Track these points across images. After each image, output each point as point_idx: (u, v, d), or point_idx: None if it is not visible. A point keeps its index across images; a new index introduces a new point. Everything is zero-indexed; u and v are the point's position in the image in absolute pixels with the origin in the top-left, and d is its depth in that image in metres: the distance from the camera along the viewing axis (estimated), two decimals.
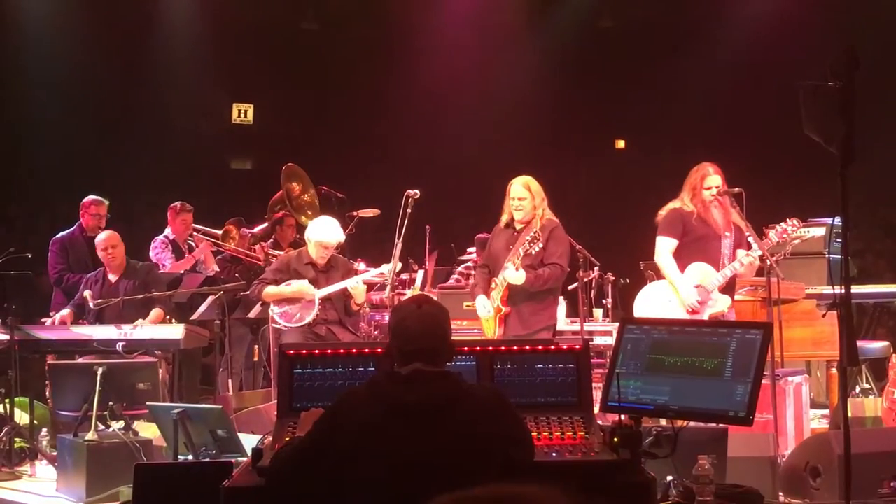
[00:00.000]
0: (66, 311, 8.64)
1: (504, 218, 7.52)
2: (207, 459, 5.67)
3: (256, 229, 10.46)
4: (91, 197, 9.58)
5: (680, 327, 4.46)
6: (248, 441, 6.02)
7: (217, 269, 10.00)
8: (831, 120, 4.58)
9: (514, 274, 7.14)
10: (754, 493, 4.68)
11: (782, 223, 7.14)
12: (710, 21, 14.23)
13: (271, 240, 10.31)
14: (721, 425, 5.12)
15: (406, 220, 7.93)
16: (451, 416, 3.32)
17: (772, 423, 6.45)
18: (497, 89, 15.03)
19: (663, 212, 7.35)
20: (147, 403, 6.61)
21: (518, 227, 7.41)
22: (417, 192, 8.01)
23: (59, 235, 9.53)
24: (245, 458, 5.48)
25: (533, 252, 7.13)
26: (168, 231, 10.05)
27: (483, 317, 7.44)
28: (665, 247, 7.25)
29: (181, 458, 5.77)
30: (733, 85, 14.23)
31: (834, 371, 8.16)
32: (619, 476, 3.73)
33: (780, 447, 6.43)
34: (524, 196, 7.35)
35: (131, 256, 9.22)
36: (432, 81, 14.57)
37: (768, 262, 7.02)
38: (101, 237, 8.75)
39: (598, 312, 8.98)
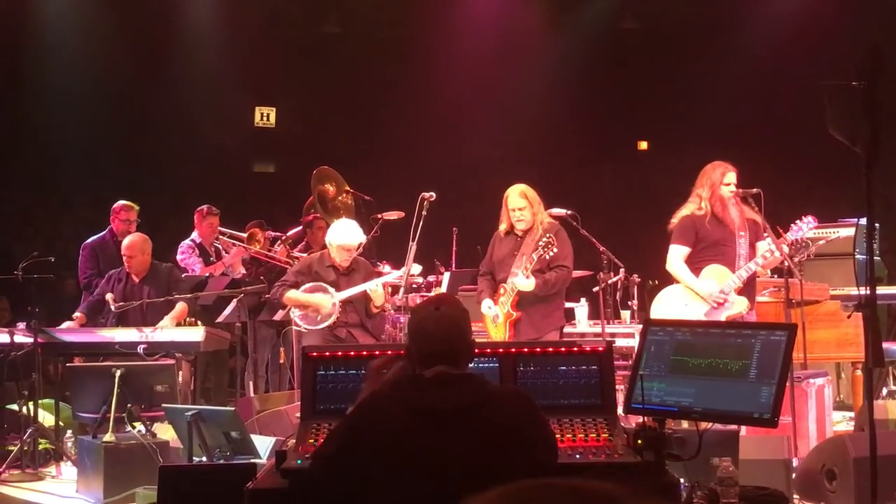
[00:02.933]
0: (77, 314, 8.67)
1: (503, 226, 7.53)
2: (221, 461, 5.71)
3: (290, 232, 10.50)
4: (121, 202, 9.61)
5: (704, 329, 4.43)
6: (262, 443, 6.08)
7: (244, 272, 10.05)
8: (856, 120, 4.55)
9: (524, 281, 7.17)
10: (779, 494, 4.65)
11: (797, 220, 7.09)
12: (733, 21, 14.18)
13: (303, 242, 10.35)
14: (732, 427, 5.09)
15: (421, 223, 7.93)
16: (478, 419, 3.30)
17: (790, 426, 6.41)
18: (520, 91, 15.03)
19: (675, 219, 7.32)
20: (163, 405, 6.65)
21: (519, 233, 7.42)
22: (433, 194, 8.01)
23: (89, 240, 9.58)
24: (258, 460, 5.55)
25: (547, 257, 7.13)
26: (195, 234, 10.09)
27: (488, 315, 7.44)
28: (677, 254, 7.22)
29: (196, 459, 5.80)
30: (757, 85, 14.19)
31: (859, 373, 8.11)
32: (643, 478, 3.71)
33: (801, 450, 6.38)
34: (523, 205, 7.36)
35: (157, 259, 9.26)
36: (456, 83, 14.57)
37: (786, 264, 6.98)
38: (125, 242, 8.75)
39: (625, 314, 8.94)
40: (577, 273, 8.75)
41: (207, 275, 9.54)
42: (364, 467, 3.34)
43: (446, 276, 9.68)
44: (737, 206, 7.16)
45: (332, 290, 8.04)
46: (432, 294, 9.27)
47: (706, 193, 7.19)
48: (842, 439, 5.87)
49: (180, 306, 8.57)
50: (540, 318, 7.35)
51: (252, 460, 5.66)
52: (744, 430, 6.40)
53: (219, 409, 6.54)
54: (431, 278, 9.67)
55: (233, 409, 6.45)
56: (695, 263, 7.16)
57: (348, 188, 10.32)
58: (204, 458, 5.82)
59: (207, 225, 10.07)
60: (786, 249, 7.01)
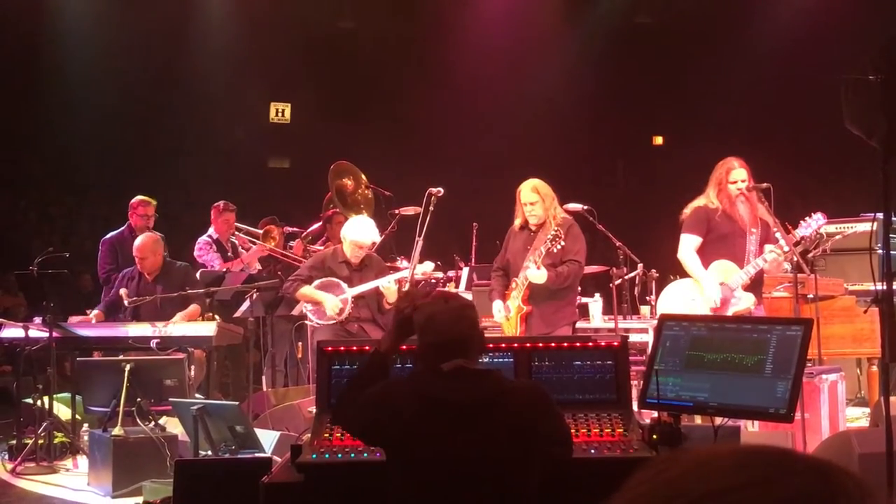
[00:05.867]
0: (95, 311, 8.72)
1: (517, 221, 7.52)
2: (226, 455, 5.74)
3: (311, 228, 10.52)
4: (139, 198, 9.63)
5: (719, 324, 4.42)
6: (266, 437, 6.15)
7: (260, 268, 10.07)
8: (873, 114, 4.53)
9: (536, 272, 7.12)
10: None
11: (806, 217, 7.06)
12: (748, 15, 14.13)
13: (323, 238, 10.36)
14: (734, 423, 5.08)
15: (428, 218, 7.93)
16: (493, 413, 3.31)
17: (798, 421, 6.36)
18: (535, 86, 15.01)
19: (688, 210, 7.29)
20: (170, 399, 6.68)
21: (533, 228, 7.41)
22: (441, 189, 7.99)
23: (108, 236, 9.59)
24: (263, 454, 5.59)
25: (555, 250, 7.10)
26: (211, 230, 10.11)
27: (499, 321, 7.43)
28: (688, 244, 7.19)
29: (202, 453, 5.84)
30: (772, 79, 14.14)
31: (874, 368, 8.08)
32: None
33: (814, 446, 6.35)
34: (535, 200, 7.34)
35: (173, 254, 9.28)
36: (470, 78, 14.57)
37: (795, 259, 6.95)
38: (137, 243, 8.75)
39: (645, 310, 8.90)
40: (592, 268, 8.72)
41: (225, 270, 9.55)
42: (387, 449, 3.37)
43: (465, 272, 9.67)
44: (747, 204, 7.13)
45: (344, 285, 8.06)
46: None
47: (714, 192, 7.18)
48: (847, 435, 5.82)
49: (192, 308, 8.59)
50: (551, 312, 7.32)
51: (257, 454, 5.71)
52: (757, 425, 6.39)
53: (223, 404, 6.57)
54: (451, 273, 9.67)
55: (237, 403, 6.48)
56: (704, 257, 7.13)
57: (366, 183, 10.34)
58: (209, 452, 5.86)
59: (224, 221, 10.08)
60: (795, 238, 6.99)
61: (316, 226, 10.58)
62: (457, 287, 9.51)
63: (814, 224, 7.07)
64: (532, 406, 3.38)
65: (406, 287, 8.12)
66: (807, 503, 1.03)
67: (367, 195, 10.31)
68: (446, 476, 3.25)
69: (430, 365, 3.42)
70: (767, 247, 7.06)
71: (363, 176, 10.35)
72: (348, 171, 10.35)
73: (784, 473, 1.05)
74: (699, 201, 7.26)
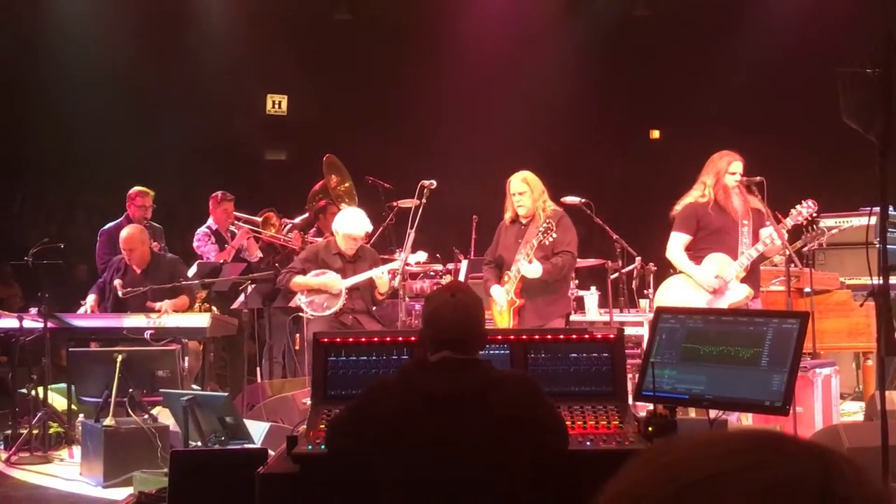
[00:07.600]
0: (91, 298, 8.71)
1: (508, 215, 7.51)
2: (216, 446, 5.76)
3: (297, 219, 10.52)
4: (136, 188, 9.64)
5: (716, 316, 4.41)
6: (256, 428, 6.18)
7: (261, 255, 10.08)
8: (870, 107, 4.53)
9: (529, 267, 7.10)
10: None
11: (797, 205, 7.05)
12: (747, 9, 14.11)
13: (314, 228, 10.37)
14: (725, 415, 5.09)
15: (421, 210, 7.94)
16: (482, 403, 3.31)
17: (792, 415, 6.38)
18: (533, 79, 14.99)
19: (678, 206, 7.29)
20: (160, 391, 6.69)
21: (524, 221, 7.40)
22: (433, 182, 8.02)
23: (106, 227, 9.60)
24: (252, 445, 5.60)
25: (547, 242, 7.09)
26: (210, 221, 10.11)
27: (501, 303, 7.41)
28: (677, 242, 7.19)
29: (192, 444, 5.85)
30: (771, 73, 14.12)
31: (870, 363, 8.09)
32: None
33: None
34: (524, 191, 7.34)
35: (170, 246, 9.26)
36: (468, 71, 14.53)
37: (787, 252, 6.94)
38: (123, 235, 8.74)
39: (643, 303, 8.89)
40: (588, 262, 8.72)
41: (222, 261, 9.55)
42: (370, 450, 3.37)
43: (464, 265, 9.68)
44: (740, 196, 7.13)
45: (337, 276, 8.07)
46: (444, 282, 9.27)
47: (710, 181, 7.17)
48: (835, 429, 5.83)
49: (181, 298, 8.58)
50: (545, 305, 7.31)
51: (247, 445, 5.72)
52: (751, 418, 6.41)
53: (213, 395, 6.59)
54: (450, 266, 9.67)
55: (227, 394, 6.50)
56: (696, 251, 7.13)
57: (349, 182, 10.39)
58: (199, 443, 5.87)
59: (222, 211, 10.08)
60: (785, 235, 6.99)
61: (301, 217, 10.57)
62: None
63: (805, 211, 7.05)
64: (519, 396, 3.38)
65: (398, 277, 8.14)
66: (803, 486, 1.02)
67: (349, 189, 10.39)
68: (430, 467, 3.26)
69: (421, 355, 3.44)
70: (763, 231, 7.05)
71: (347, 173, 10.42)
72: (334, 166, 10.41)
73: (779, 457, 1.05)
74: (690, 197, 7.25)
